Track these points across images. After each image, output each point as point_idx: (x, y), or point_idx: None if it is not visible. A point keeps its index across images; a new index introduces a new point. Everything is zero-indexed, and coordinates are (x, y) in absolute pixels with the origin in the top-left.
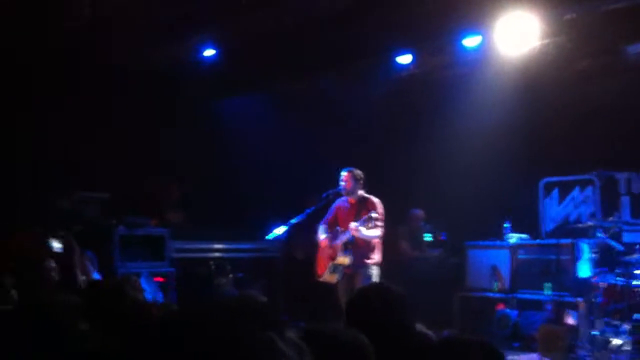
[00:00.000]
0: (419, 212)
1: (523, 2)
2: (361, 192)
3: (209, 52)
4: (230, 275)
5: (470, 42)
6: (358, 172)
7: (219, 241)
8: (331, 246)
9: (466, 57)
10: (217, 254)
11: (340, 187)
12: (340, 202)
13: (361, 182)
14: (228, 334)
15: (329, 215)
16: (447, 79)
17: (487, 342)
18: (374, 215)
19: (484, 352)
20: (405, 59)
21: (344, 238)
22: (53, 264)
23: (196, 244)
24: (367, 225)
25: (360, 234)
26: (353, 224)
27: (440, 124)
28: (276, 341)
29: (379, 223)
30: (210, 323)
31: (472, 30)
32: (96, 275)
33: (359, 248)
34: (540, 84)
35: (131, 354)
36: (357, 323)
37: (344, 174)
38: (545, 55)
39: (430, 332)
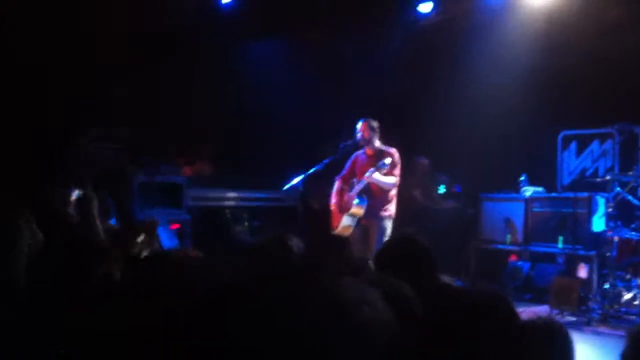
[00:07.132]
0: (424, 160)
1: None
2: (378, 143)
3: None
4: (247, 224)
5: None
6: (374, 122)
7: (235, 190)
8: (346, 197)
9: (489, 4)
10: (232, 203)
11: (357, 138)
12: (357, 154)
13: (377, 132)
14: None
15: (345, 171)
16: (468, 27)
17: (504, 295)
18: (387, 161)
19: (501, 303)
20: (426, 7)
21: (359, 187)
22: (72, 211)
23: (213, 192)
24: (381, 171)
25: (374, 179)
26: (367, 172)
27: (460, 73)
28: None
29: (396, 172)
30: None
31: None
32: (113, 222)
33: (375, 199)
34: (564, 34)
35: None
36: (386, 272)
37: (360, 124)
38: (569, 6)
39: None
